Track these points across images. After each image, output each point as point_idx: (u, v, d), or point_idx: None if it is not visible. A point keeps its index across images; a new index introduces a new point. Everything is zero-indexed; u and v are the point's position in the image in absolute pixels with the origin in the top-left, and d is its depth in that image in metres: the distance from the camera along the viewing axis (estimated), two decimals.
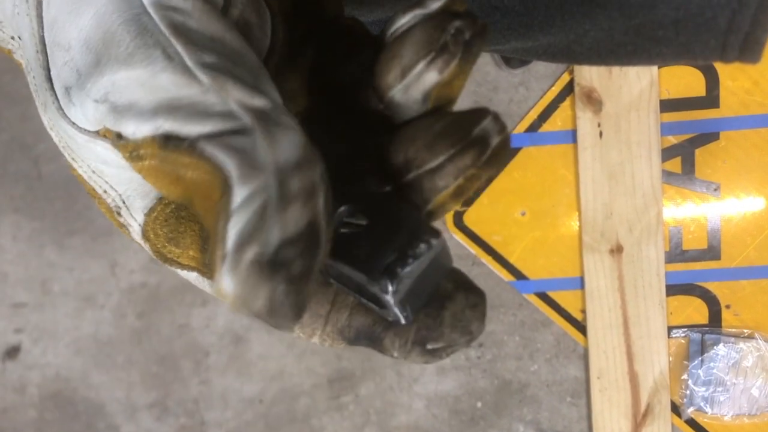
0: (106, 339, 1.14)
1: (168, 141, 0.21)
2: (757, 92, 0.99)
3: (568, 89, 1.02)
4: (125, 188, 0.26)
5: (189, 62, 0.22)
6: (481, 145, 0.23)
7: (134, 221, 0.27)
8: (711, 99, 1.00)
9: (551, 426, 1.08)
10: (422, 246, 0.23)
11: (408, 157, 0.24)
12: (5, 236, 1.14)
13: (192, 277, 0.27)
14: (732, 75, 1.00)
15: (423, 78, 0.24)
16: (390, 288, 0.23)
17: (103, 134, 0.24)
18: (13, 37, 0.27)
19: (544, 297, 1.06)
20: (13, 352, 1.16)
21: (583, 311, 1.05)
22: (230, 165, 0.21)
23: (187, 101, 0.22)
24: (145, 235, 0.26)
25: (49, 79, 0.24)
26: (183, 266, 0.27)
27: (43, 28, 0.24)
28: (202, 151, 0.21)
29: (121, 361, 1.14)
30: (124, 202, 0.26)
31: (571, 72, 1.02)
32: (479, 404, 1.08)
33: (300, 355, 1.10)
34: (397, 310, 0.23)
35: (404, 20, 0.25)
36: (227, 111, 0.21)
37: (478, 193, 1.05)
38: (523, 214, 1.04)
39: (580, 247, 1.04)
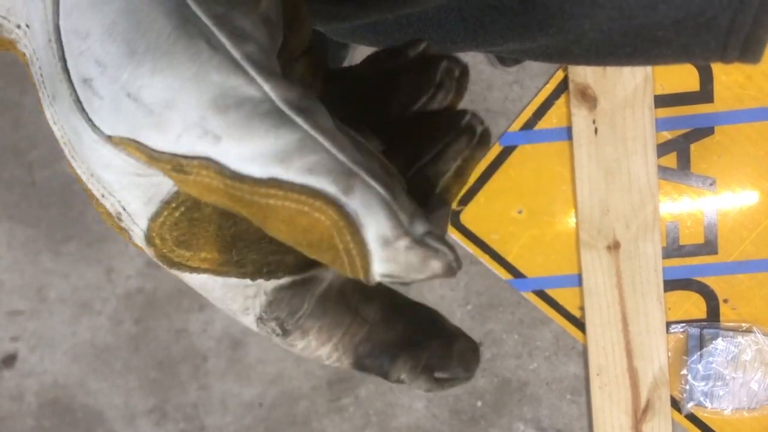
0: (104, 345, 1.14)
1: (222, 171, 0.21)
2: (750, 86, 0.99)
3: (563, 86, 1.02)
4: (125, 195, 0.25)
5: (235, 54, 0.21)
6: (470, 132, 0.27)
7: (137, 227, 0.26)
8: (705, 94, 1.00)
9: (552, 424, 1.08)
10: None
11: (410, 154, 0.27)
12: (0, 244, 1.14)
13: (200, 280, 0.27)
14: (725, 70, 1.00)
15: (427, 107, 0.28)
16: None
17: (116, 142, 0.23)
18: (19, 26, 0.26)
19: (542, 295, 1.06)
20: (9, 360, 1.15)
21: (582, 308, 1.05)
22: (322, 183, 0.21)
23: (234, 97, 0.21)
24: (150, 241, 0.26)
25: (66, 70, 0.23)
26: (192, 269, 0.27)
27: (59, 16, 0.23)
28: (277, 182, 0.21)
29: (119, 368, 1.14)
30: (124, 209, 0.26)
31: (566, 69, 1.01)
32: (479, 403, 1.08)
33: (299, 359, 1.10)
34: None
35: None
36: (281, 113, 0.21)
37: (474, 192, 1.04)
38: (520, 212, 1.04)
39: (577, 244, 1.04)
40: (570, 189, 1.03)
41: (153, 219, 0.25)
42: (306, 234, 0.22)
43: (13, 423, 1.15)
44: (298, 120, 0.21)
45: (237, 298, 0.27)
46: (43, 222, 1.13)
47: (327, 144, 0.21)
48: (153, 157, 0.22)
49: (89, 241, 1.12)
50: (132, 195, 0.25)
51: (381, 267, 0.21)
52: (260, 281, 0.26)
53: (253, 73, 0.21)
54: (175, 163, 0.22)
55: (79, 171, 0.25)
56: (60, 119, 0.24)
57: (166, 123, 0.21)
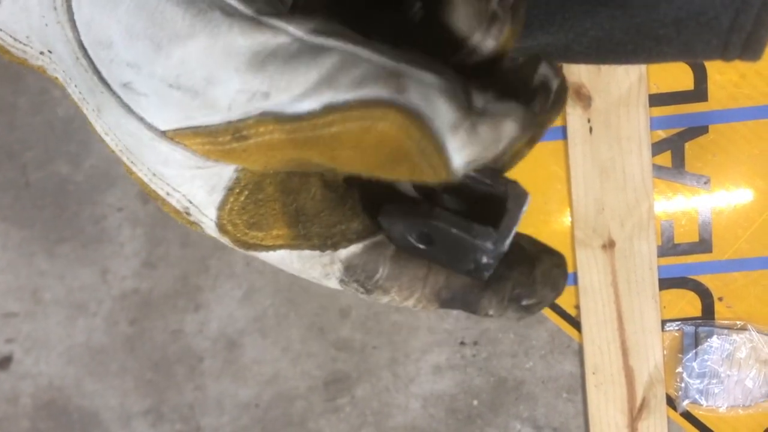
0: (99, 347, 1.13)
1: (280, 119, 0.21)
2: (745, 85, 0.99)
3: None
4: (189, 187, 0.26)
5: (249, 12, 0.22)
6: (545, 90, 0.24)
7: (206, 218, 0.27)
8: (699, 92, 1.01)
9: (548, 422, 1.08)
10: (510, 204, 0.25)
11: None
12: None
13: (278, 256, 0.28)
14: (720, 68, 1.00)
15: (482, 46, 0.24)
16: (489, 246, 0.25)
17: (171, 136, 0.23)
18: (42, 53, 0.26)
19: None
20: (4, 362, 1.15)
21: (577, 307, 1.05)
22: (374, 91, 0.21)
23: (266, 51, 0.21)
24: (222, 229, 0.27)
25: (103, 80, 0.24)
26: (268, 248, 0.27)
27: (78, 32, 0.23)
28: (332, 107, 0.21)
29: (115, 369, 1.13)
30: (191, 202, 0.26)
31: (560, 68, 1.02)
32: (475, 402, 1.08)
33: (295, 359, 1.10)
34: (504, 250, 0.25)
35: None
36: (312, 45, 0.21)
37: None
38: None
39: (572, 242, 1.04)
40: (565, 188, 1.03)
41: (221, 207, 0.26)
42: (377, 152, 0.21)
43: (9, 425, 1.15)
44: (330, 43, 0.21)
45: (315, 267, 0.28)
46: (37, 223, 1.12)
47: (366, 54, 0.21)
48: (211, 132, 0.22)
49: (84, 243, 1.12)
50: (196, 187, 0.25)
51: (460, 155, 0.21)
52: (330, 251, 0.27)
53: (272, 22, 0.21)
54: (233, 131, 0.22)
55: (140, 174, 0.26)
56: (112, 128, 0.24)
57: (214, 98, 0.22)
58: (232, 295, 1.11)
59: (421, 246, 0.27)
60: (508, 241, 0.24)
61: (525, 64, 0.25)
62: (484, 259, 0.25)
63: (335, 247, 0.27)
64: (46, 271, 1.13)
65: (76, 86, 0.25)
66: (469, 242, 0.24)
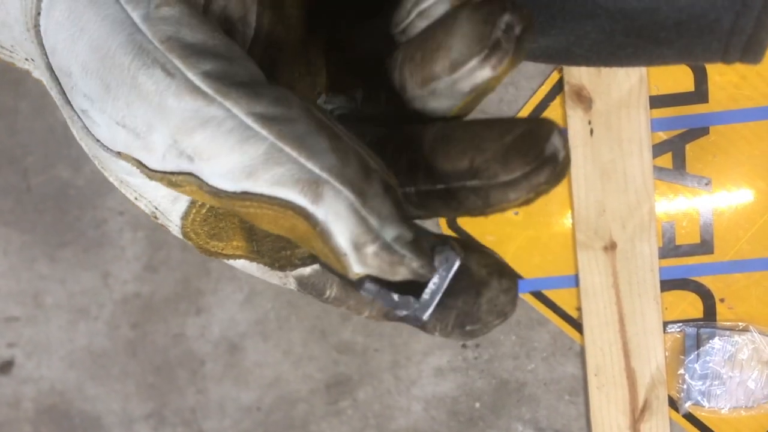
0: (101, 351, 1.13)
1: (202, 186, 0.22)
2: (745, 86, 0.99)
3: (558, 88, 1.02)
4: (154, 195, 0.27)
5: (190, 75, 0.21)
6: (554, 162, 0.23)
7: (171, 224, 0.27)
8: (700, 94, 1.01)
9: (550, 424, 1.08)
10: (451, 262, 0.25)
11: (475, 166, 0.24)
12: None
13: (239, 263, 0.29)
14: (720, 70, 1.00)
15: (475, 74, 0.24)
16: (419, 307, 0.25)
17: (124, 158, 0.24)
18: (27, 59, 0.27)
19: (539, 296, 1.06)
20: (6, 366, 1.15)
21: (579, 309, 1.05)
22: (289, 194, 0.21)
23: (198, 119, 0.21)
24: (186, 236, 0.27)
25: (68, 102, 0.24)
26: (228, 256, 0.28)
27: (47, 56, 0.24)
28: (248, 195, 0.21)
29: (117, 373, 1.13)
30: (156, 208, 0.27)
31: (561, 71, 1.02)
32: (477, 405, 1.08)
33: (296, 362, 1.10)
34: (426, 320, 0.25)
35: (429, 2, 0.26)
36: (244, 127, 0.21)
37: None
38: (516, 213, 1.04)
39: (573, 244, 1.04)
40: (566, 190, 1.03)
41: (184, 217, 0.27)
42: (291, 232, 0.22)
43: (11, 430, 1.15)
44: (263, 132, 0.21)
45: (273, 278, 0.29)
46: (38, 228, 1.12)
47: (294, 153, 0.21)
48: (149, 175, 0.23)
49: (85, 247, 1.12)
50: (160, 196, 0.26)
51: (358, 268, 0.22)
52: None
53: (211, 92, 0.21)
54: (167, 179, 0.23)
55: (111, 179, 0.27)
56: (82, 138, 0.25)
57: (151, 145, 0.22)
58: (233, 298, 1.11)
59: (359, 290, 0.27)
60: (428, 311, 0.24)
61: (538, 127, 0.24)
62: (411, 322, 0.25)
63: (282, 269, 0.28)
64: (47, 275, 1.13)
65: (54, 95, 0.25)
66: (392, 310, 0.25)
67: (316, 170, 0.21)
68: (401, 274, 0.22)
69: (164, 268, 1.11)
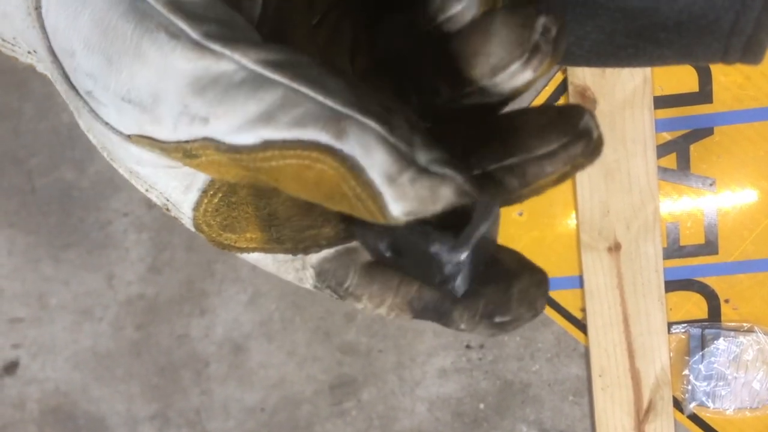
0: (105, 352, 1.13)
1: (219, 147, 0.21)
2: (749, 87, 0.99)
3: (562, 88, 1.02)
4: (164, 186, 0.26)
5: (195, 35, 0.21)
6: (588, 136, 0.24)
7: (183, 215, 0.27)
8: (704, 94, 1.01)
9: (554, 425, 1.08)
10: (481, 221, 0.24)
11: (512, 145, 0.25)
12: (0, 251, 1.13)
13: (254, 257, 0.28)
14: (724, 70, 1.00)
15: (516, 77, 0.24)
16: (458, 258, 0.24)
17: (135, 140, 0.23)
18: (29, 52, 0.26)
19: None
20: (11, 367, 1.15)
21: (583, 310, 1.05)
22: (312, 134, 0.20)
23: (207, 77, 0.21)
24: (198, 228, 0.27)
25: (72, 86, 0.24)
26: (242, 249, 0.27)
27: (48, 39, 0.24)
28: (270, 144, 0.20)
29: (121, 374, 1.13)
30: (167, 199, 0.26)
31: (565, 71, 1.02)
32: (482, 406, 1.08)
33: (301, 363, 1.10)
34: (460, 283, 0.25)
35: (459, 7, 0.25)
36: (256, 76, 0.21)
37: None
38: (521, 214, 1.04)
39: (578, 245, 1.04)
40: (570, 191, 1.03)
41: (196, 208, 0.26)
42: (317, 187, 0.21)
43: (16, 430, 1.15)
44: (276, 77, 0.21)
45: (289, 271, 0.28)
46: (43, 229, 1.12)
47: (311, 92, 0.20)
48: (163, 148, 0.22)
49: (89, 248, 1.12)
50: (170, 186, 0.26)
51: (396, 206, 0.20)
52: (302, 255, 0.27)
53: (219, 48, 0.21)
54: (182, 150, 0.22)
55: (121, 171, 0.26)
56: (90, 128, 0.25)
57: (161, 116, 0.22)
58: (237, 299, 1.11)
59: (392, 255, 0.26)
60: (467, 249, 0.24)
61: (570, 110, 0.25)
62: (445, 268, 0.24)
63: (306, 251, 0.27)
64: (51, 277, 1.13)
65: (59, 86, 0.25)
66: (427, 248, 0.24)
67: (338, 106, 0.20)
68: (443, 198, 0.20)
69: (168, 269, 1.11)
